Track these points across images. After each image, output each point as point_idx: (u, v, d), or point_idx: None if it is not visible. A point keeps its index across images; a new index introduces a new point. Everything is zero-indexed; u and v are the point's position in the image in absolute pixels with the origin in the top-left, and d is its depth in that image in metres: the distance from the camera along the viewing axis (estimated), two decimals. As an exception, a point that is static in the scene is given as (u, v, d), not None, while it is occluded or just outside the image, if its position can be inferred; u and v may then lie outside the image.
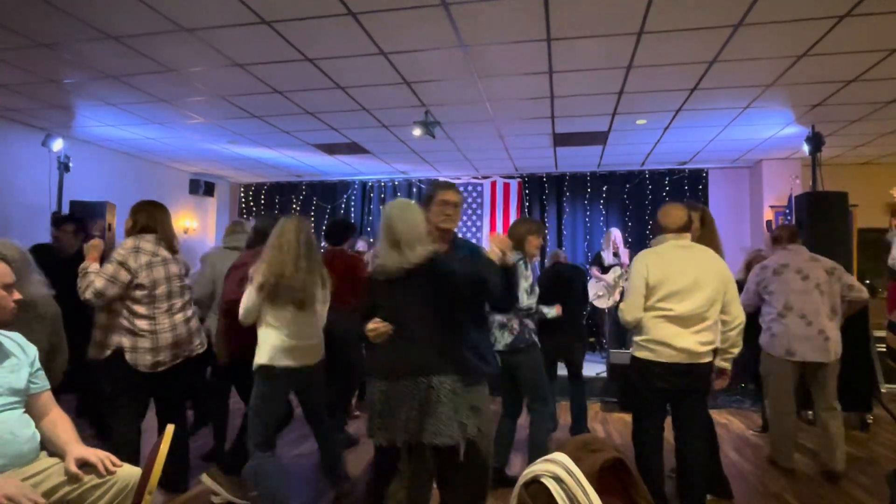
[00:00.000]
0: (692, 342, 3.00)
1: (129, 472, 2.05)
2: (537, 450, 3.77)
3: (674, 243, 3.18)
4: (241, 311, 3.02)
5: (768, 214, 8.27)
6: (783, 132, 6.82)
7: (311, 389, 3.19)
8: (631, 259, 7.80)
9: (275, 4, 3.74)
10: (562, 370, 4.91)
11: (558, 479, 1.20)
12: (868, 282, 4.31)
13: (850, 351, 4.17)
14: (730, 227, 8.57)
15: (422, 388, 2.42)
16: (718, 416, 5.60)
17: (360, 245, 7.09)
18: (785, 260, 4.14)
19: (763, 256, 5.38)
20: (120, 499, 1.99)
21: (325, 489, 3.59)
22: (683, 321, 3.01)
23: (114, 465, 2.03)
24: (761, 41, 4.24)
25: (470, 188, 9.90)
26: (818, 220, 5.67)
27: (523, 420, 3.96)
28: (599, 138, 7.21)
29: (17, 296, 2.19)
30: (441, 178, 9.80)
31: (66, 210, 6.55)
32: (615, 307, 7.40)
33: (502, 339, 3.73)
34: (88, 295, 3.15)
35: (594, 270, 7.65)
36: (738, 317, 3.08)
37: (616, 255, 7.64)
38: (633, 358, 3.21)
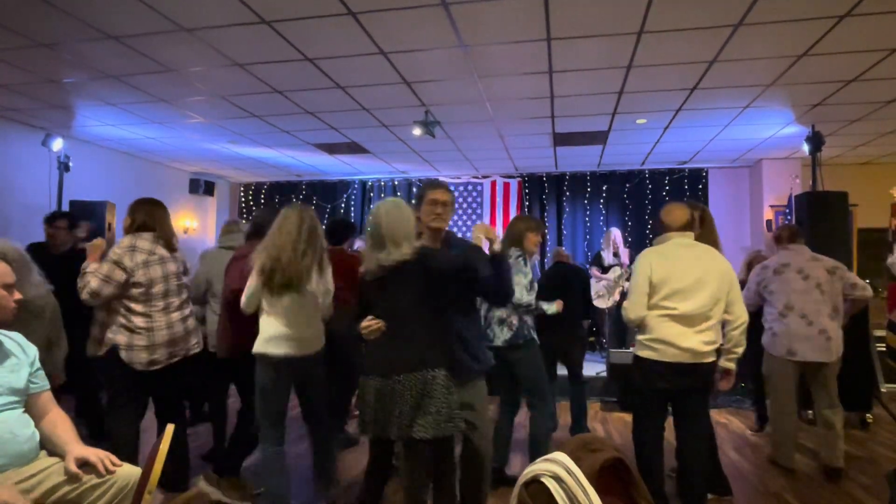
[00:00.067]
0: (696, 342, 2.99)
1: (128, 472, 2.05)
2: (538, 448, 3.78)
3: (677, 242, 3.17)
4: (242, 299, 3.02)
5: (768, 214, 8.27)
6: (783, 132, 6.82)
7: (309, 382, 3.11)
8: (631, 259, 7.83)
9: (275, 4, 3.73)
10: (562, 370, 4.90)
11: (558, 479, 1.20)
12: (868, 281, 4.30)
13: (850, 351, 4.17)
14: (730, 227, 8.57)
15: (414, 385, 2.43)
16: (718, 416, 5.61)
17: (360, 245, 7.08)
18: (786, 260, 4.14)
19: (763, 257, 5.38)
20: (119, 498, 1.99)
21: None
22: (687, 320, 3.00)
23: (113, 464, 2.04)
24: (761, 41, 4.23)
25: (470, 188, 9.91)
26: (818, 219, 5.67)
27: (522, 419, 3.95)
28: (599, 138, 7.20)
29: (17, 296, 2.20)
30: (441, 178, 9.81)
31: (66, 210, 6.55)
32: (615, 307, 7.41)
33: (501, 335, 3.74)
34: (84, 295, 3.16)
35: (594, 270, 7.64)
36: (742, 316, 3.07)
37: (616, 254, 7.64)
38: (636, 357, 3.20)
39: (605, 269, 7.59)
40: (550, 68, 4.82)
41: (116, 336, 3.21)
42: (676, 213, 3.24)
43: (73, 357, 3.54)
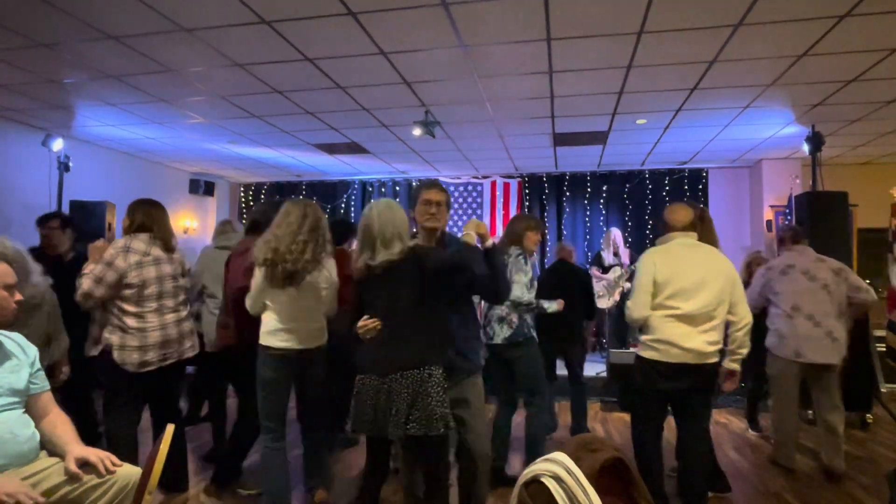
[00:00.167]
0: (700, 342, 2.99)
1: (128, 472, 2.05)
2: (535, 446, 3.78)
3: (680, 241, 3.17)
4: (248, 301, 3.02)
5: (768, 214, 8.27)
6: (783, 132, 6.82)
7: (308, 378, 3.08)
8: (631, 259, 7.81)
9: (275, 4, 3.73)
10: (562, 370, 4.90)
11: (558, 479, 1.20)
12: (868, 282, 4.29)
13: (850, 351, 4.17)
14: (730, 227, 8.57)
15: (411, 383, 2.45)
16: (718, 416, 5.61)
17: (360, 245, 7.08)
18: (791, 261, 4.12)
19: (762, 258, 5.38)
20: (120, 498, 2.00)
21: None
22: (691, 320, 2.99)
23: (114, 464, 2.04)
24: (761, 41, 4.23)
25: (470, 188, 9.91)
26: (818, 219, 5.68)
27: (520, 418, 3.95)
28: (599, 138, 7.20)
29: (18, 297, 2.20)
30: (441, 178, 9.81)
31: (66, 210, 6.55)
32: (615, 307, 7.41)
33: (501, 333, 3.74)
34: (77, 296, 3.16)
35: (594, 270, 7.64)
36: (745, 317, 3.07)
37: (616, 254, 7.64)
38: (639, 357, 3.19)
39: (605, 270, 7.59)
40: (550, 68, 4.82)
41: (110, 336, 3.21)
42: (680, 213, 3.24)
43: (72, 358, 3.53)
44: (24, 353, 2.21)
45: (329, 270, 3.08)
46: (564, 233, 9.59)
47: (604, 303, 7.50)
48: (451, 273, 2.52)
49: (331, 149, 7.92)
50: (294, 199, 3.06)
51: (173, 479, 3.43)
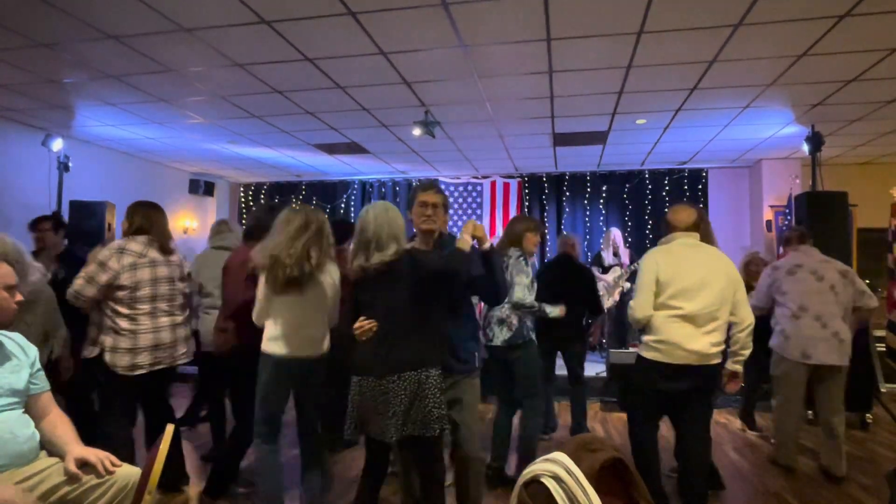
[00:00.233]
0: (703, 343, 2.98)
1: (128, 472, 2.05)
2: (527, 448, 3.78)
3: (682, 242, 3.17)
4: (254, 314, 3.00)
5: (768, 214, 8.27)
6: (783, 132, 6.82)
7: (307, 385, 3.05)
8: (631, 259, 7.78)
9: (275, 4, 3.73)
10: (562, 370, 4.89)
11: (558, 479, 1.20)
12: (868, 282, 4.28)
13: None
14: (729, 227, 8.58)
15: (409, 385, 2.45)
16: (718, 416, 5.61)
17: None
18: (798, 261, 4.10)
19: (759, 257, 5.38)
20: (119, 498, 2.00)
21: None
22: (695, 321, 2.98)
23: (113, 464, 2.04)
24: (761, 41, 4.23)
25: (470, 188, 9.90)
26: (818, 219, 5.67)
27: (520, 419, 3.96)
28: (599, 138, 7.21)
29: (19, 297, 2.20)
30: (441, 178, 9.82)
31: (65, 210, 6.55)
32: (615, 307, 7.40)
33: (500, 335, 3.74)
34: (68, 295, 3.16)
35: (594, 270, 7.63)
36: (747, 318, 3.06)
37: (616, 254, 7.64)
38: (640, 358, 3.18)
39: (605, 270, 7.59)
40: (550, 68, 4.82)
41: (104, 338, 3.20)
42: (683, 213, 3.23)
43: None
44: (25, 354, 2.21)
45: (332, 276, 3.05)
46: (564, 233, 9.57)
47: (604, 303, 7.49)
48: (442, 281, 2.52)
49: (330, 149, 7.92)
50: (294, 209, 3.01)
51: (171, 479, 3.43)
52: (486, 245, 2.64)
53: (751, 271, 5.07)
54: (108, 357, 3.16)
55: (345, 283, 2.97)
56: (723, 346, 3.07)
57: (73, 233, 5.77)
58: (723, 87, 5.27)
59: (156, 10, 3.79)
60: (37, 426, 2.14)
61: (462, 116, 6.25)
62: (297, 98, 5.68)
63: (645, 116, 6.28)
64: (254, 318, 3.01)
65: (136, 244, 3.29)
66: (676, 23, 3.96)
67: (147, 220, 3.38)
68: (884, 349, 5.64)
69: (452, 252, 2.57)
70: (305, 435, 3.12)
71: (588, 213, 9.56)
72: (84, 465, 2.01)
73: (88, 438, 2.92)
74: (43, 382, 2.25)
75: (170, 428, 2.06)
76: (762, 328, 4.17)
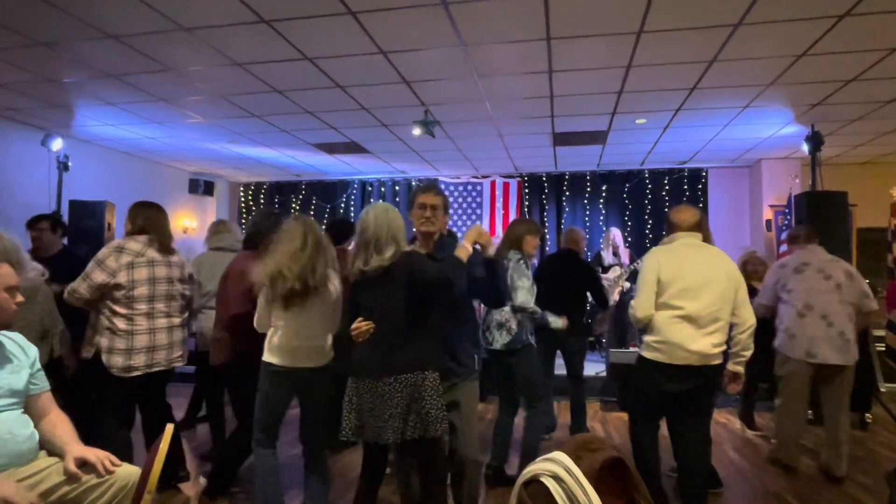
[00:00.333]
0: (705, 344, 2.97)
1: (128, 472, 2.05)
2: (529, 451, 3.77)
3: (685, 242, 3.16)
4: (255, 322, 2.99)
5: (768, 214, 8.27)
6: (783, 131, 6.82)
7: (310, 394, 3.01)
8: (630, 259, 7.75)
9: (274, 3, 3.73)
10: (561, 370, 4.88)
11: (558, 479, 1.20)
12: (868, 281, 4.27)
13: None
14: (729, 227, 8.59)
15: (405, 387, 2.45)
16: (718, 416, 5.61)
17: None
18: (805, 259, 4.05)
19: (757, 256, 5.37)
20: (119, 498, 2.00)
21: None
22: (696, 321, 2.97)
23: (113, 464, 2.04)
24: (761, 41, 4.23)
25: (469, 188, 9.90)
26: (818, 219, 5.66)
27: (521, 419, 3.95)
28: (599, 138, 7.21)
29: (19, 298, 2.19)
30: (441, 178, 9.81)
31: (65, 210, 6.55)
32: (615, 307, 7.39)
33: (500, 339, 3.73)
34: (65, 294, 3.16)
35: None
36: (749, 319, 3.05)
37: (616, 254, 7.63)
38: (641, 358, 3.17)
39: (604, 269, 7.58)
40: (550, 68, 4.82)
41: (100, 338, 3.19)
42: (686, 213, 3.23)
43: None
44: (25, 354, 2.21)
45: (335, 284, 3.02)
46: (570, 228, 9.56)
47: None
48: (437, 289, 2.51)
49: (330, 148, 7.92)
50: (291, 222, 2.97)
51: (169, 479, 3.42)
52: (491, 252, 2.63)
53: (748, 270, 5.05)
54: (104, 358, 3.15)
55: (344, 285, 2.96)
56: (724, 347, 3.06)
57: (72, 232, 5.78)
58: (722, 86, 5.27)
59: (155, 10, 3.79)
60: (36, 426, 2.14)
61: (462, 116, 6.25)
62: (297, 97, 5.68)
63: (645, 116, 6.28)
64: (255, 324, 3.00)
65: (136, 243, 3.28)
66: (676, 22, 3.96)
67: (149, 220, 3.38)
68: (883, 349, 5.65)
69: (450, 260, 2.55)
70: (308, 438, 3.09)
71: (588, 212, 9.56)
72: (84, 464, 2.01)
73: (87, 438, 2.92)
74: (43, 382, 2.25)
75: (169, 427, 2.06)
76: (761, 329, 4.17)
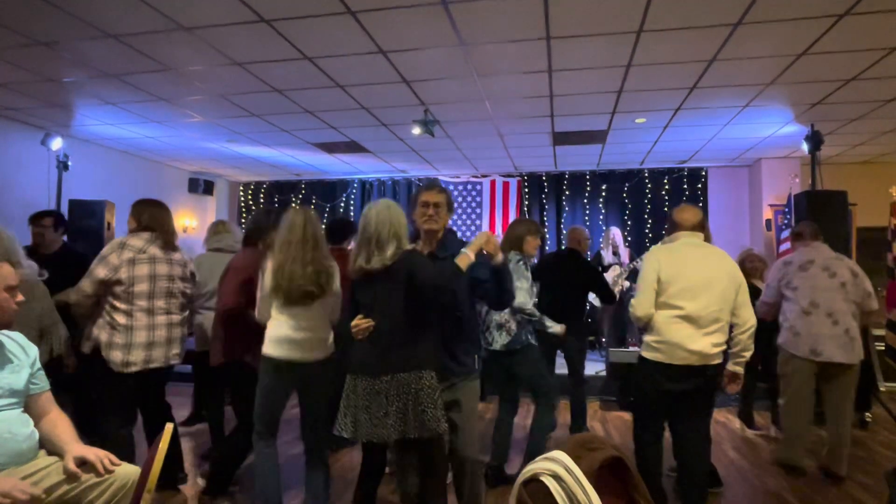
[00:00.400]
0: (705, 344, 2.97)
1: (127, 471, 2.05)
2: (535, 443, 3.78)
3: (686, 241, 3.16)
4: (256, 311, 3.00)
5: (767, 213, 8.27)
6: (782, 131, 6.82)
7: (310, 389, 3.00)
8: (630, 258, 7.74)
9: (274, 3, 3.73)
10: (562, 369, 4.88)
11: (557, 478, 1.20)
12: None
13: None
14: (729, 226, 8.59)
15: (402, 385, 2.46)
16: (717, 415, 5.61)
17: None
18: (810, 256, 4.01)
19: (755, 255, 5.36)
20: (118, 497, 2.00)
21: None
22: (696, 321, 2.97)
23: (112, 463, 2.04)
24: (760, 40, 4.23)
25: (469, 187, 9.90)
26: (817, 218, 5.63)
27: (522, 418, 3.96)
28: (599, 137, 7.20)
29: (19, 297, 2.19)
30: (441, 178, 9.81)
31: (65, 209, 6.54)
32: (614, 306, 7.39)
33: (500, 340, 3.73)
34: (73, 296, 3.19)
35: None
36: (749, 320, 3.04)
37: (615, 254, 7.63)
38: (642, 358, 3.17)
39: (604, 269, 7.58)
40: (550, 67, 4.82)
41: (100, 333, 3.20)
42: (688, 213, 3.22)
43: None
44: (25, 354, 2.21)
45: (336, 281, 3.02)
46: (564, 232, 9.58)
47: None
48: (434, 293, 2.51)
49: (330, 148, 7.91)
50: (293, 209, 2.97)
51: (168, 476, 3.42)
52: (498, 260, 2.63)
53: (747, 268, 5.04)
54: (103, 352, 3.17)
55: (344, 282, 2.96)
56: (724, 347, 3.06)
57: (72, 232, 5.78)
58: (722, 86, 5.27)
59: (155, 9, 3.79)
60: (36, 425, 2.15)
61: (461, 115, 6.25)
62: (297, 97, 5.68)
63: (644, 115, 6.28)
64: (256, 315, 3.01)
65: (138, 240, 3.30)
66: (676, 22, 3.96)
67: (154, 218, 3.39)
68: (883, 348, 5.64)
69: (449, 266, 2.53)
70: (309, 438, 3.09)
71: (587, 212, 9.56)
72: (83, 463, 2.01)
73: (89, 437, 2.92)
74: (43, 382, 2.26)
75: (169, 427, 2.06)
76: (761, 328, 4.16)
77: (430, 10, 3.78)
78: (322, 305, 2.95)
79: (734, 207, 9.00)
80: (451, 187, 9.86)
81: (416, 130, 5.92)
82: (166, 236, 3.39)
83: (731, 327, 3.08)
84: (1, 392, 2.05)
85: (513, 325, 3.72)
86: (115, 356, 3.17)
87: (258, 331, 3.01)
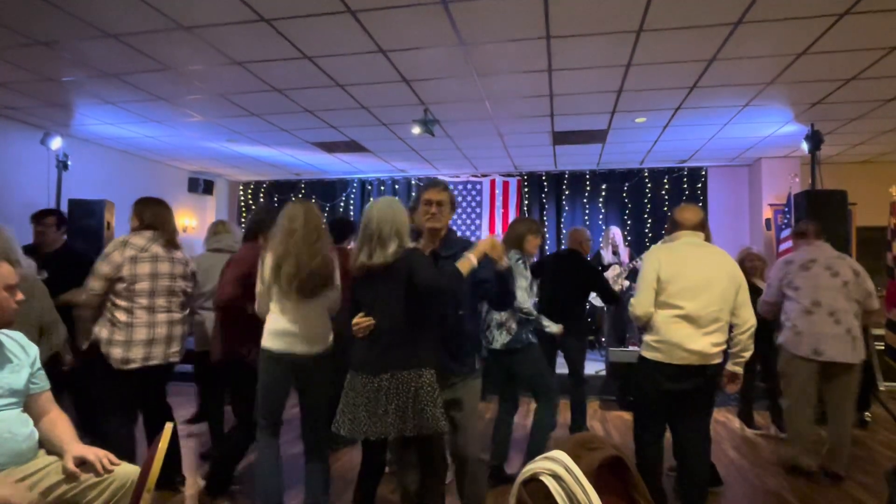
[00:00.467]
0: (705, 343, 2.96)
1: (127, 471, 2.05)
2: (537, 440, 3.78)
3: (686, 241, 3.15)
4: (256, 305, 3.01)
5: (767, 213, 8.27)
6: (782, 130, 6.82)
7: (310, 383, 3.00)
8: (630, 258, 7.73)
9: (274, 2, 3.73)
10: (561, 369, 4.88)
11: (557, 477, 1.20)
12: (868, 280, 4.24)
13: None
14: (729, 226, 8.59)
15: (401, 384, 2.46)
16: (717, 415, 5.61)
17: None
18: (813, 255, 3.99)
19: (754, 254, 5.36)
20: (118, 497, 2.00)
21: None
22: (696, 321, 2.96)
23: (112, 463, 2.03)
24: (760, 39, 4.23)
25: (469, 186, 9.90)
26: (817, 218, 5.64)
27: (522, 418, 3.96)
28: (598, 136, 7.20)
29: (19, 296, 2.19)
30: (440, 177, 9.81)
31: (64, 209, 6.53)
32: (614, 306, 7.38)
33: (500, 339, 3.73)
34: (83, 296, 3.19)
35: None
36: (749, 320, 3.04)
37: (615, 253, 7.62)
38: (642, 358, 3.16)
39: (604, 268, 7.57)
40: (550, 66, 4.82)
41: (101, 330, 3.21)
42: (689, 212, 3.21)
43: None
44: (25, 353, 2.21)
45: (336, 274, 3.02)
46: (564, 232, 9.58)
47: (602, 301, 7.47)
48: (431, 293, 2.50)
49: (330, 147, 7.91)
50: (294, 202, 2.97)
51: (167, 478, 3.42)
52: (503, 265, 2.62)
53: (746, 268, 5.01)
54: (103, 349, 3.17)
55: (345, 280, 2.96)
56: (724, 346, 3.06)
57: (72, 231, 5.77)
58: (722, 85, 5.26)
59: (155, 9, 3.79)
60: (36, 425, 2.14)
61: (461, 115, 6.25)
62: (296, 96, 5.67)
63: (644, 115, 6.28)
64: (256, 309, 3.01)
65: (140, 238, 3.31)
66: (676, 21, 3.96)
67: (156, 216, 3.40)
68: (882, 348, 5.64)
69: (450, 270, 2.53)
70: (309, 437, 3.08)
71: (587, 211, 9.56)
72: (82, 463, 2.01)
73: (90, 436, 2.92)
74: (43, 382, 2.25)
75: (168, 426, 2.06)
76: (760, 328, 4.15)
77: (430, 9, 3.78)
78: (322, 298, 2.95)
79: (734, 207, 9.00)
80: (451, 187, 9.84)
81: (416, 130, 5.92)
82: (168, 235, 3.40)
83: (731, 327, 3.08)
84: (1, 392, 2.04)
85: (513, 325, 3.72)
86: (115, 353, 3.17)
87: (257, 326, 3.01)
